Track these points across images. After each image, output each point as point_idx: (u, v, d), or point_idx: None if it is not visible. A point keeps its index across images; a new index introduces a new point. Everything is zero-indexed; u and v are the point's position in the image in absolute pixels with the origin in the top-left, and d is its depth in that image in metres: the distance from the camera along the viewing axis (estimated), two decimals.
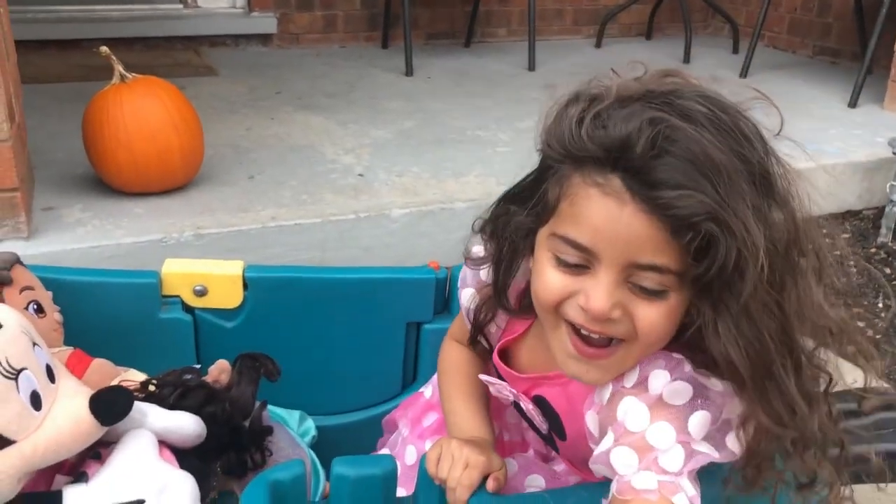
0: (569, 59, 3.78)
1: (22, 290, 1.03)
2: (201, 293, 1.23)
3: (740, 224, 0.69)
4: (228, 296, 1.23)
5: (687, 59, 3.79)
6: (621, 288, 0.74)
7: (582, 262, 0.75)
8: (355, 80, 3.33)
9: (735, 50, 3.99)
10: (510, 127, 2.68)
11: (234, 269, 1.23)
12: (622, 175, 0.71)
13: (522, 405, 0.95)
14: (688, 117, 0.71)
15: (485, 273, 0.94)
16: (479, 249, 0.94)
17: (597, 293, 0.74)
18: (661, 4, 4.21)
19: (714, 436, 0.78)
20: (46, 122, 2.49)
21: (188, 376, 0.96)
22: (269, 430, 1.01)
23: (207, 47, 3.68)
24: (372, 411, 1.32)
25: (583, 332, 0.77)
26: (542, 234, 0.80)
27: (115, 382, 0.99)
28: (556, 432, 0.95)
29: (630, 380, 0.80)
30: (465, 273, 1.00)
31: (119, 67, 1.97)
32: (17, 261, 1.07)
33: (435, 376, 1.13)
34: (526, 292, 0.89)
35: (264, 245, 1.92)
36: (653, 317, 0.75)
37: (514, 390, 0.95)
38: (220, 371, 1.03)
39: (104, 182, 2.02)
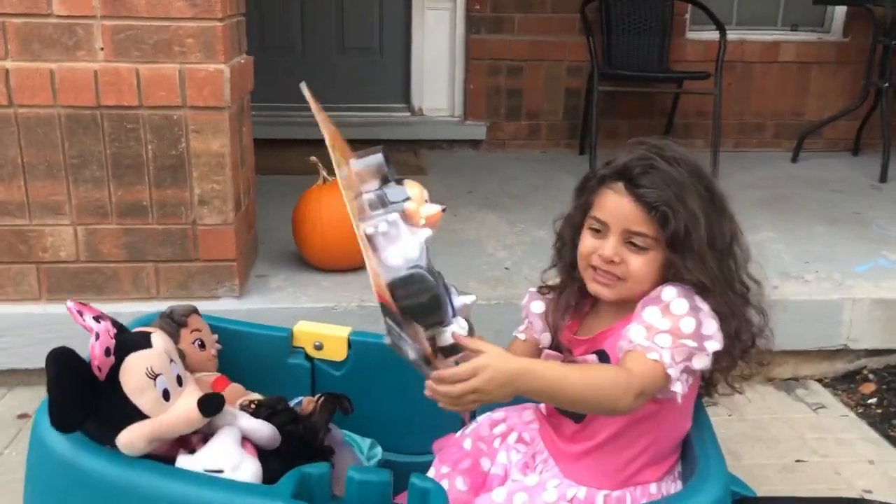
0: (755, 171, 3.92)
1: (192, 331, 1.54)
2: (319, 347, 1.68)
3: (687, 208, 1.24)
4: (337, 351, 1.67)
5: (884, 178, 3.76)
6: (621, 245, 1.28)
7: (601, 229, 1.30)
8: (543, 182, 3.74)
9: None
10: None
11: (342, 332, 1.68)
12: (624, 182, 1.28)
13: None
14: (662, 156, 1.28)
15: (538, 305, 1.48)
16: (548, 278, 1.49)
17: (606, 247, 1.29)
18: (868, 119, 4.19)
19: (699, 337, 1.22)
20: (281, 208, 3.12)
21: (280, 406, 1.39)
22: (330, 450, 1.41)
23: (426, 150, 4.31)
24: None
25: (599, 271, 1.31)
26: (585, 224, 1.35)
27: (240, 401, 1.44)
28: None
29: (651, 294, 1.27)
30: (529, 300, 1.50)
31: (323, 172, 2.55)
32: (193, 311, 1.59)
33: (478, 427, 1.49)
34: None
35: None
36: (637, 263, 1.28)
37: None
38: (309, 402, 1.45)
39: (304, 259, 2.59)
